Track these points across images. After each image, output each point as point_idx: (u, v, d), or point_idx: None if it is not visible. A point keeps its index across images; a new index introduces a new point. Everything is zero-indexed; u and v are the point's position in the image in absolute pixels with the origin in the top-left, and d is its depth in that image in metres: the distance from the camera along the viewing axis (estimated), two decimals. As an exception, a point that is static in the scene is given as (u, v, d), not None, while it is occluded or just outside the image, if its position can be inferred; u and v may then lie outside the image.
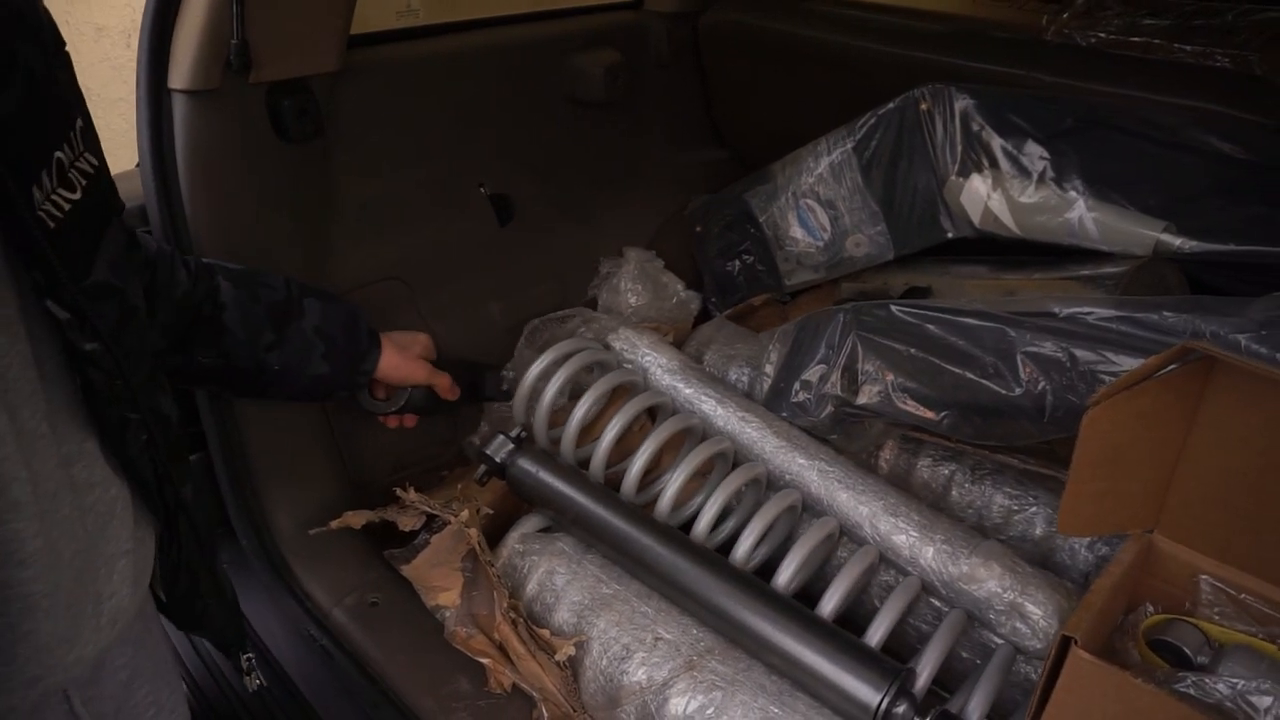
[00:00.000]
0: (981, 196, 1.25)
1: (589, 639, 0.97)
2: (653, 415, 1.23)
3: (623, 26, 1.67)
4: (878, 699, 0.84)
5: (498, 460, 1.12)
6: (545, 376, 1.20)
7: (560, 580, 1.03)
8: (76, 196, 0.59)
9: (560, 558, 1.06)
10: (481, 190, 1.44)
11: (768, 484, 1.13)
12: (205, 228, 1.05)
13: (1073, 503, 0.81)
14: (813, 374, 1.15)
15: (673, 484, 1.08)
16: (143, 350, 0.69)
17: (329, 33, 1.11)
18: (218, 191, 1.05)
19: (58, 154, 0.57)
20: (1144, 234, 1.14)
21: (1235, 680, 0.73)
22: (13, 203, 0.53)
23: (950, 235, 1.32)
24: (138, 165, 1.05)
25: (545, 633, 0.99)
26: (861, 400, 1.10)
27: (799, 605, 0.94)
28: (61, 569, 0.60)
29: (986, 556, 0.96)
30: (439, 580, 1.05)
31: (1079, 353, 0.95)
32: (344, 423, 1.23)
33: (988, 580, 0.95)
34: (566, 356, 1.21)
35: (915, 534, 1.00)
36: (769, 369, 1.25)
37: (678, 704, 0.90)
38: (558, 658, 0.96)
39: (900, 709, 0.84)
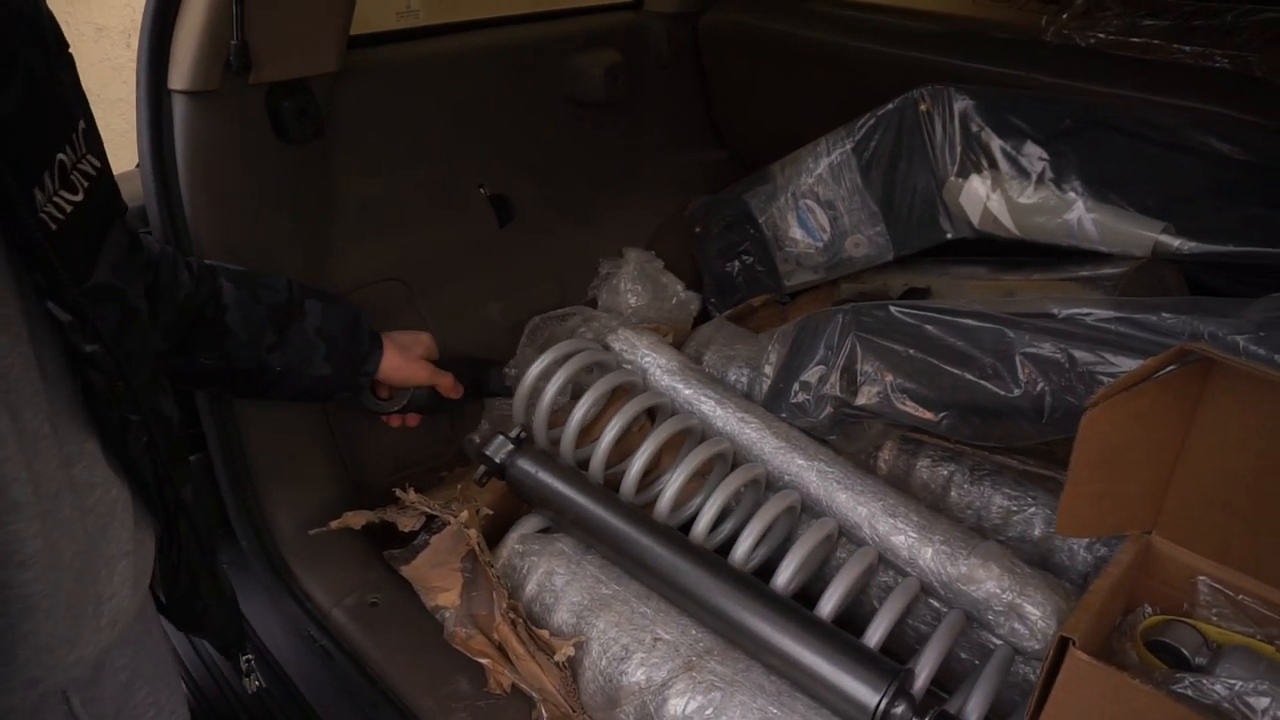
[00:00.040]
0: (980, 197, 1.25)
1: (588, 639, 0.97)
2: (652, 416, 1.23)
3: (623, 27, 1.67)
4: (876, 699, 0.84)
5: (497, 461, 1.12)
6: (545, 377, 1.20)
7: (559, 581, 1.03)
8: (78, 198, 0.59)
9: (560, 558, 1.06)
10: (481, 191, 1.44)
11: (767, 485, 1.13)
12: (205, 228, 1.05)
13: (1071, 504, 0.81)
14: (812, 375, 1.15)
15: (672, 485, 1.08)
16: (144, 352, 0.69)
17: (329, 33, 1.11)
18: (217, 192, 1.05)
19: (60, 156, 0.57)
20: (1143, 235, 1.15)
21: (1233, 681, 0.73)
22: (14, 204, 0.53)
23: (949, 236, 1.32)
24: (137, 166, 1.05)
25: (544, 633, 0.99)
26: (860, 401, 1.10)
27: (798, 606, 0.94)
28: (62, 570, 0.60)
29: (985, 557, 0.96)
30: (438, 581, 1.05)
31: (1077, 354, 0.95)
32: (344, 423, 1.23)
33: (986, 581, 0.95)
34: (566, 357, 1.21)
35: (914, 535, 1.00)
36: (768, 370, 1.26)
37: (677, 704, 0.90)
38: (557, 658, 0.96)
39: (899, 709, 0.84)
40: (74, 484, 0.62)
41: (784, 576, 0.99)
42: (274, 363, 0.97)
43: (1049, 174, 1.20)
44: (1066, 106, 1.21)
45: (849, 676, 0.86)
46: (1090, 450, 0.78)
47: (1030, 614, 0.92)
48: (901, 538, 1.01)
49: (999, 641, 0.95)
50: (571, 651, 0.96)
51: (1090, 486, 0.81)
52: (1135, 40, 1.30)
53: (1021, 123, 1.22)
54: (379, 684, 1.01)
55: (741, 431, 1.16)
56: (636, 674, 0.93)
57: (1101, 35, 1.32)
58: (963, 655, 1.00)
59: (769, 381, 1.24)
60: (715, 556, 1.01)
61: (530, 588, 1.04)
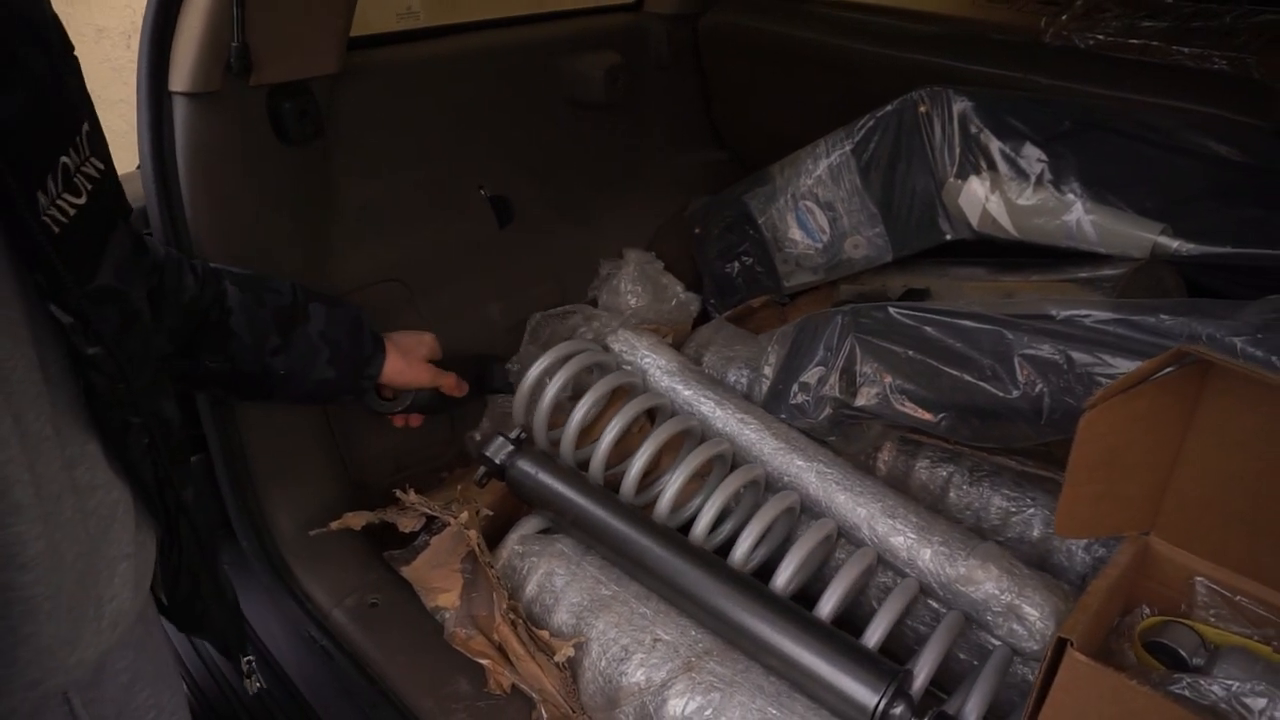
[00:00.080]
0: (979, 199, 1.26)
1: (588, 640, 0.98)
2: (652, 417, 1.23)
3: (622, 28, 1.67)
4: (875, 700, 0.84)
5: (497, 461, 1.12)
6: (545, 377, 1.20)
7: (559, 581, 1.04)
8: (82, 201, 0.59)
9: (559, 559, 1.06)
10: (481, 192, 1.44)
11: (766, 485, 1.14)
12: (206, 230, 1.05)
13: (1070, 505, 0.81)
14: (811, 376, 1.15)
15: (672, 485, 1.08)
16: (146, 354, 0.69)
17: (329, 35, 1.11)
18: (218, 193, 1.06)
19: (63, 159, 0.57)
20: (1141, 236, 1.15)
21: (1230, 682, 0.73)
22: (16, 207, 0.53)
23: (948, 237, 1.32)
24: (138, 167, 1.06)
25: (544, 634, 0.99)
26: (860, 402, 1.10)
27: (797, 607, 0.95)
28: (63, 572, 0.60)
29: (984, 558, 0.97)
30: (439, 581, 1.05)
31: (1076, 355, 0.96)
32: (344, 424, 1.23)
33: (985, 582, 0.95)
34: (566, 358, 1.21)
35: (913, 535, 1.00)
36: (768, 371, 1.26)
37: (676, 705, 0.90)
38: (557, 659, 0.96)
39: (898, 710, 0.84)
40: (76, 486, 0.62)
41: (783, 577, 1.00)
42: (278, 366, 0.97)
43: (1048, 175, 1.20)
44: (1065, 108, 1.22)
45: (848, 677, 0.86)
46: (1088, 451, 0.78)
47: (1029, 615, 0.93)
48: (900, 538, 1.01)
49: (997, 642, 0.95)
50: (571, 652, 0.96)
51: (1088, 488, 0.81)
52: (1134, 42, 1.30)
53: (1020, 124, 1.22)
54: (379, 684, 1.01)
55: (741, 432, 1.16)
56: (636, 674, 0.93)
57: (1100, 37, 1.32)
58: (961, 656, 1.00)
59: (768, 382, 1.25)
60: (715, 557, 1.01)
61: (530, 588, 1.05)
